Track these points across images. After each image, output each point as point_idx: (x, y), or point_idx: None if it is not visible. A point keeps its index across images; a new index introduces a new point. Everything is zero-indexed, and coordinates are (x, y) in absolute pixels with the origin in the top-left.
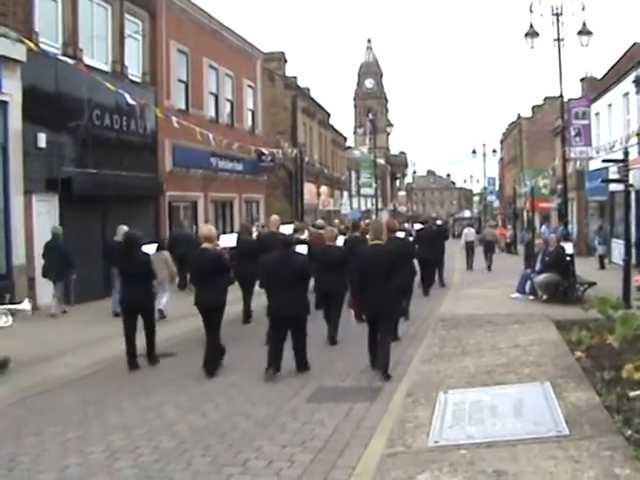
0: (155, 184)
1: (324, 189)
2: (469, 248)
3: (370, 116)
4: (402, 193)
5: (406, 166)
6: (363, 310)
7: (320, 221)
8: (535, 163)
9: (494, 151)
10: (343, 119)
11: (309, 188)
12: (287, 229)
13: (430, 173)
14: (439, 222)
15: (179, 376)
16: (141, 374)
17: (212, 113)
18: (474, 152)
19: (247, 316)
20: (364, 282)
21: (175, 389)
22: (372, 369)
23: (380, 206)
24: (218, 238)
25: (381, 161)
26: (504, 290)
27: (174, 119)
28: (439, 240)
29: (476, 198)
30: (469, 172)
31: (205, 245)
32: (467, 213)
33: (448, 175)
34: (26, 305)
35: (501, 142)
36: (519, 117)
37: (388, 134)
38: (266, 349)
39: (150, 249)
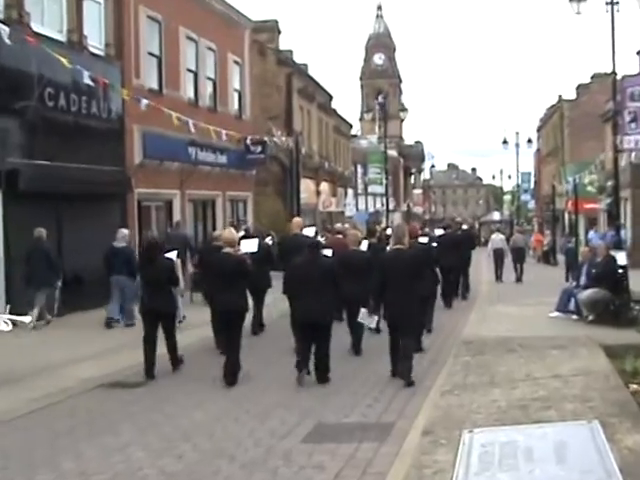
0: (121, 179)
1: (325, 186)
2: (498, 257)
3: (380, 99)
4: (418, 191)
5: (423, 159)
6: (384, 316)
7: (340, 225)
8: (579, 155)
9: (529, 141)
10: (348, 102)
11: (307, 185)
12: (309, 232)
13: (452, 167)
14: (465, 226)
15: (149, 409)
16: (108, 406)
17: (191, 94)
18: (505, 142)
19: (257, 326)
20: (385, 287)
21: (145, 425)
22: (392, 376)
23: (392, 207)
24: (239, 243)
25: (393, 153)
26: (541, 308)
27: (144, 101)
28: (465, 247)
29: (507, 197)
30: (499, 166)
31: (227, 250)
32: (496, 215)
33: (473, 170)
34: (27, 318)
35: (538, 130)
36: (560, 100)
37: (401, 120)
38: (266, 368)
39: (172, 255)
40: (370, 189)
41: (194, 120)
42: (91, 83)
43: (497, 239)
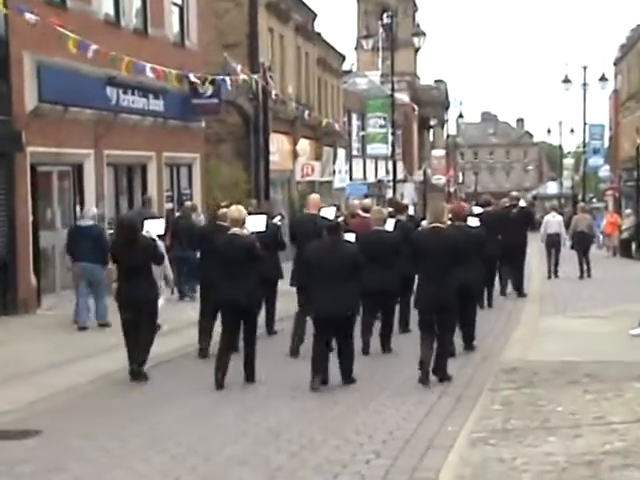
0: (5, 133)
1: (305, 145)
2: (552, 244)
3: (385, 18)
4: (439, 153)
5: (447, 106)
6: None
7: (367, 201)
8: None
9: (602, 79)
10: (339, 23)
11: (279, 143)
12: (329, 212)
13: (488, 118)
14: (523, 203)
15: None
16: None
17: (109, 10)
18: (567, 81)
19: (271, 326)
20: (419, 271)
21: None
22: (424, 385)
23: (401, 175)
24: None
25: (404, 97)
26: (618, 321)
27: (31, 16)
28: (520, 231)
29: (569, 161)
30: (557, 116)
31: (235, 230)
32: (552, 187)
33: (520, 122)
34: None
35: (615, 63)
36: None
37: (416, 50)
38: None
39: (155, 227)
40: (370, 149)
41: (113, 48)
42: None
43: (553, 221)
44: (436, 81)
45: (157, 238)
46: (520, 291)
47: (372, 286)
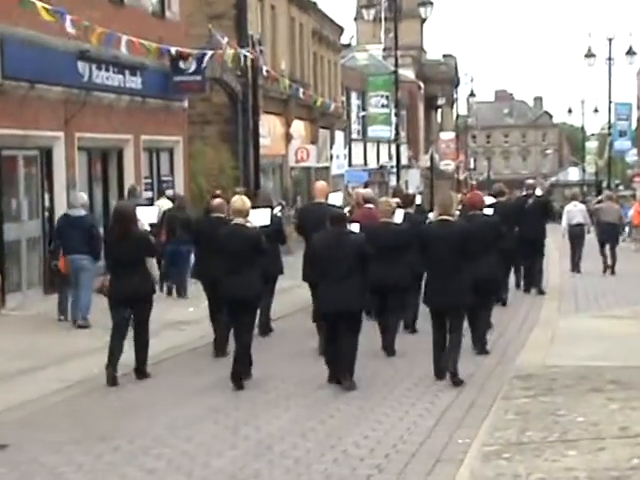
0: None
1: (299, 127)
2: (576, 237)
3: None
4: (448, 135)
5: (456, 84)
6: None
7: (369, 190)
8: None
9: (630, 52)
10: None
11: (270, 125)
12: (336, 199)
13: (503, 97)
14: (539, 192)
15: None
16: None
17: None
18: (590, 55)
19: (266, 325)
20: (427, 267)
21: None
22: (437, 379)
23: (405, 160)
24: (248, 213)
25: (408, 73)
26: None
27: None
28: (538, 221)
29: (592, 144)
30: (579, 94)
31: (238, 221)
32: (574, 173)
33: (538, 100)
34: None
35: None
36: None
37: (423, 21)
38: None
39: (148, 215)
40: (371, 132)
41: (86, 17)
42: None
43: (576, 210)
44: (444, 56)
45: (149, 228)
46: (539, 288)
47: (379, 282)
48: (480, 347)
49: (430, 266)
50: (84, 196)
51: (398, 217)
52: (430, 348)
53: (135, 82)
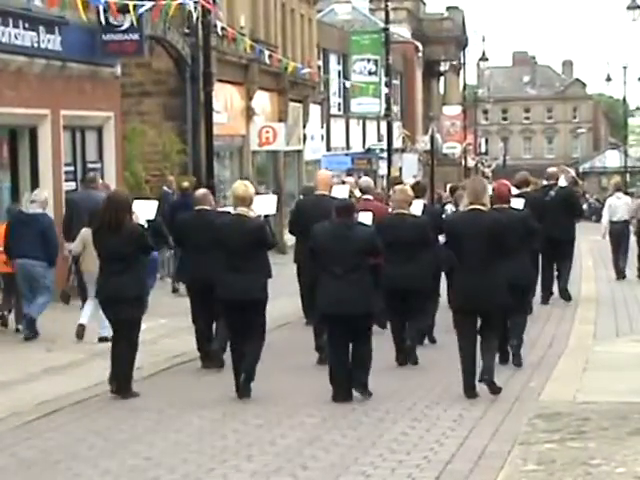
0: None
1: (263, 100)
2: (619, 236)
3: None
4: (452, 110)
5: (464, 45)
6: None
7: (367, 179)
8: None
9: None
10: None
11: (227, 98)
12: (342, 191)
13: (522, 60)
14: (563, 182)
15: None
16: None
17: None
18: (635, 7)
19: None
20: (457, 264)
21: None
22: (468, 397)
23: (398, 142)
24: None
25: (402, 31)
26: None
27: None
28: (562, 218)
29: (636, 121)
30: (619, 58)
31: (241, 210)
32: (613, 158)
33: (567, 65)
34: None
35: None
36: None
37: None
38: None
39: (145, 210)
40: (356, 106)
41: None
42: None
43: (619, 204)
44: (449, 8)
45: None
46: (563, 293)
47: (395, 283)
48: (516, 360)
49: (460, 262)
50: (43, 192)
51: (416, 208)
52: (448, 362)
53: (52, 42)
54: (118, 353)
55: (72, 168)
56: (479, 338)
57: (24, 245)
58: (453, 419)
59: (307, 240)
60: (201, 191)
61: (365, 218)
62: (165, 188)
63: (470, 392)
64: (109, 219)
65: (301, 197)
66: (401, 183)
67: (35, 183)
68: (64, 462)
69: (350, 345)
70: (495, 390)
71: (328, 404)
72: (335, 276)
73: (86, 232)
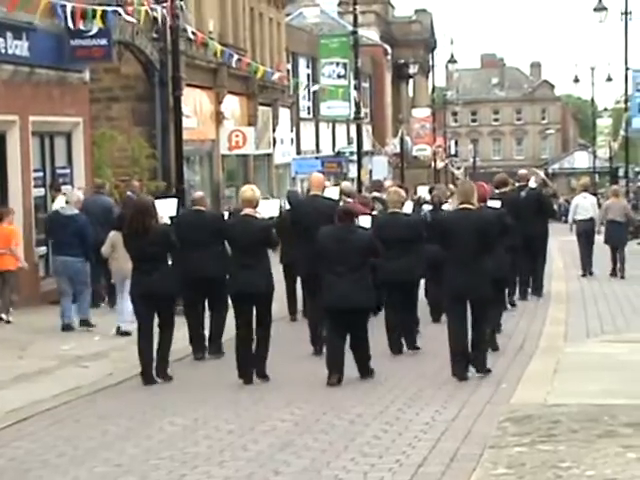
0: None
1: (233, 104)
2: (585, 233)
3: None
4: (422, 112)
5: (432, 47)
6: (444, 294)
7: (347, 184)
8: None
9: None
10: None
11: (197, 102)
12: (333, 192)
13: (491, 62)
14: (533, 183)
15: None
16: None
17: None
18: (601, 9)
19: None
20: (446, 257)
21: None
22: (454, 376)
23: (368, 145)
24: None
25: (371, 34)
26: None
27: None
28: (533, 217)
29: (605, 122)
30: (587, 60)
31: (248, 211)
32: (582, 159)
33: (535, 67)
34: None
35: None
36: None
37: None
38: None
39: (167, 208)
40: (325, 109)
41: None
42: None
43: (585, 204)
44: (417, 11)
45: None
46: (539, 289)
47: (387, 275)
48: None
49: (453, 255)
50: (78, 193)
51: (407, 208)
52: (421, 366)
53: (20, 47)
54: (145, 346)
55: (41, 174)
56: (470, 324)
57: (63, 244)
58: (425, 422)
59: (305, 240)
60: (199, 193)
61: (364, 222)
62: (129, 193)
63: (460, 373)
64: (137, 225)
65: (289, 199)
66: (382, 186)
67: (4, 189)
68: (34, 470)
69: (348, 335)
70: (485, 372)
71: (300, 408)
72: (338, 275)
73: (114, 235)
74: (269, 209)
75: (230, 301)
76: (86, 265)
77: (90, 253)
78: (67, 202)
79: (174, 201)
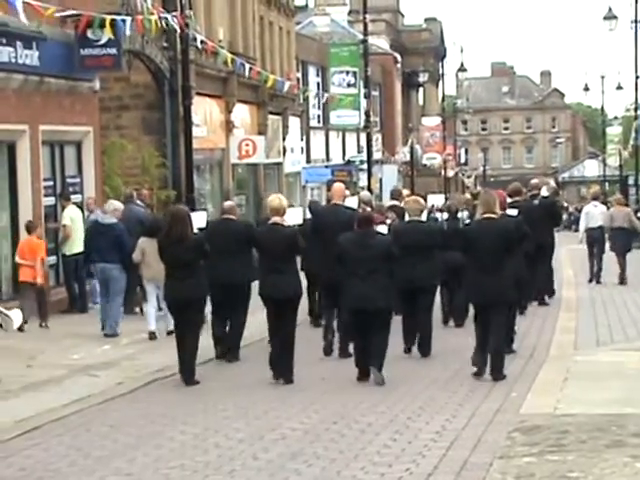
0: None
1: (243, 113)
2: (595, 241)
3: None
4: (432, 121)
5: (442, 56)
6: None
7: (367, 193)
8: None
9: None
10: None
11: (207, 111)
12: (353, 202)
13: (501, 71)
14: (545, 192)
15: None
16: None
17: None
18: (611, 17)
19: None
20: (470, 265)
21: None
22: (476, 377)
23: (378, 154)
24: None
25: (380, 43)
26: None
27: None
28: (545, 225)
29: (615, 130)
30: (597, 68)
31: (275, 219)
32: (592, 168)
33: (545, 76)
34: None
35: None
36: None
37: None
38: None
39: (198, 219)
40: (335, 118)
41: None
42: None
43: (595, 212)
44: (427, 20)
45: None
46: (548, 294)
47: (408, 282)
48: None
49: (474, 263)
50: (117, 204)
51: (422, 216)
52: (431, 374)
53: (30, 57)
54: (184, 346)
55: (51, 183)
56: (491, 328)
57: (102, 251)
58: (435, 431)
59: (325, 247)
60: (229, 202)
61: (382, 228)
62: (138, 202)
63: (479, 363)
64: (175, 233)
65: (311, 209)
66: (401, 194)
67: (14, 198)
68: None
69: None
70: (501, 377)
71: (310, 417)
72: (359, 277)
73: (143, 242)
74: (294, 217)
75: (263, 303)
76: (123, 273)
77: (127, 261)
78: (104, 212)
79: (204, 214)
